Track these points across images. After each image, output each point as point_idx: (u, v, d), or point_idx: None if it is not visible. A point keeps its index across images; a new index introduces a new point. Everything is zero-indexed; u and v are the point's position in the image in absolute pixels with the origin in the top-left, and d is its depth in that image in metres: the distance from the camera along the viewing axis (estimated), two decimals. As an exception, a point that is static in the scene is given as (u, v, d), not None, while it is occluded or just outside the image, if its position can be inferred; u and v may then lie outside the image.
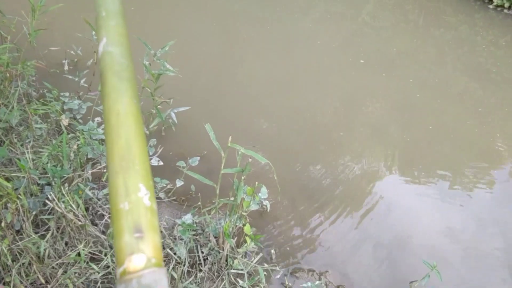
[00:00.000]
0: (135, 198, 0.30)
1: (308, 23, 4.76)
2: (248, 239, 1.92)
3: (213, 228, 2.07)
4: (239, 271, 2.02)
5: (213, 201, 2.15)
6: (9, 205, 1.95)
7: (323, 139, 3.13)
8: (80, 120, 2.65)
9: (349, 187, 2.77)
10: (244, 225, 1.98)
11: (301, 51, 4.16)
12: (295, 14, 4.85)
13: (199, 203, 2.15)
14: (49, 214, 2.04)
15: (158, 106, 2.55)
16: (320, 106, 3.45)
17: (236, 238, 2.13)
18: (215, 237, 2.09)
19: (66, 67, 3.10)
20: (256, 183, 1.86)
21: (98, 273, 1.89)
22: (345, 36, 4.69)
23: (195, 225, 2.05)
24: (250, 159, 1.77)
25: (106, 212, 2.10)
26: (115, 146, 0.32)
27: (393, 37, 4.84)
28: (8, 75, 2.44)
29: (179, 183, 2.41)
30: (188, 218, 2.04)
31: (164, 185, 2.38)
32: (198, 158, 2.44)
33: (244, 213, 1.93)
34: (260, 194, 2.34)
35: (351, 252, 2.40)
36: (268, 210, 2.39)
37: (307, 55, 4.10)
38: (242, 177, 1.77)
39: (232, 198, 1.96)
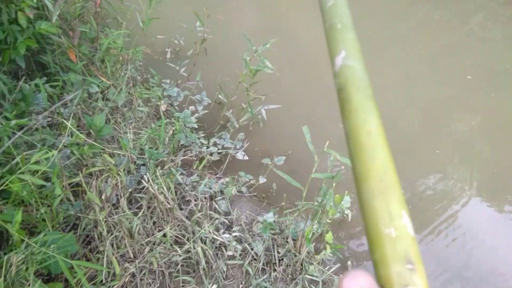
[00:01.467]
0: (400, 225, 0.28)
1: (407, 29, 4.51)
2: (328, 247, 1.88)
3: (293, 230, 2.05)
4: (314, 278, 1.98)
5: (296, 203, 2.13)
6: (109, 179, 2.12)
7: (410, 153, 2.94)
8: (177, 107, 2.79)
9: (427, 207, 2.59)
10: (325, 232, 1.94)
11: (397, 57, 3.95)
12: (393, 20, 4.61)
13: (283, 203, 2.15)
14: (141, 193, 2.19)
15: (251, 102, 2.58)
16: (411, 117, 3.25)
17: (314, 243, 2.10)
18: (293, 240, 2.08)
19: (168, 55, 3.27)
20: (346, 192, 1.81)
21: (180, 256, 1.97)
22: (449, 46, 4.36)
23: (275, 224, 2.05)
24: (342, 167, 1.71)
25: (193, 198, 2.18)
26: (371, 166, 0.31)
27: (504, 52, 4.39)
28: (120, 58, 2.64)
29: (262, 180, 2.43)
30: (269, 216, 2.04)
31: (247, 180, 2.42)
32: (284, 157, 2.44)
33: (328, 221, 1.88)
34: (342, 203, 2.27)
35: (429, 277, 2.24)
36: (349, 220, 2.31)
37: (403, 62, 3.88)
38: (333, 184, 1.72)
39: (316, 203, 1.92)
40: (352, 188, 2.54)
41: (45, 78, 2.56)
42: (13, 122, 1.92)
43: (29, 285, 1.43)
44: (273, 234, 2.10)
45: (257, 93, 2.60)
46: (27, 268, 1.44)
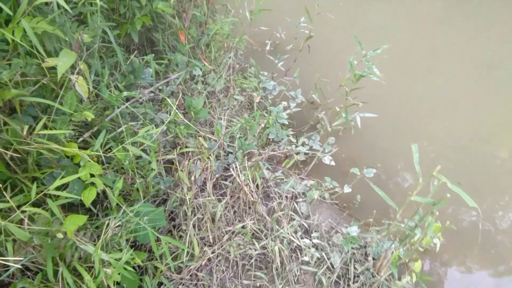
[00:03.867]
0: None
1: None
2: (414, 275, 1.74)
3: (376, 249, 1.94)
4: (390, 304, 1.86)
5: (383, 221, 2.02)
6: (199, 162, 2.17)
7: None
8: (270, 100, 2.78)
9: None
10: (413, 260, 1.80)
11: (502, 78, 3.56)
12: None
13: (370, 219, 2.04)
14: (226, 180, 2.21)
15: (347, 107, 2.49)
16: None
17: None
18: (374, 259, 1.97)
19: (268, 47, 3.27)
20: (447, 222, 1.65)
21: (256, 250, 1.97)
22: None
23: (358, 239, 1.95)
24: (448, 195, 1.56)
25: (276, 195, 2.16)
26: None
27: None
28: (225, 45, 2.68)
29: (347, 189, 2.33)
30: (353, 230, 1.95)
31: (332, 186, 2.34)
32: (374, 170, 2.31)
33: (420, 249, 1.75)
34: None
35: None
36: (437, 249, 2.13)
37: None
38: (434, 212, 1.59)
39: (407, 226, 1.79)
40: (453, 218, 2.34)
41: (153, 55, 2.69)
42: (125, 93, 2.03)
43: (120, 250, 1.51)
44: (353, 249, 2.01)
45: (356, 99, 2.49)
46: (120, 235, 1.52)
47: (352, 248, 1.97)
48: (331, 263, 1.97)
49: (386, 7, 3.99)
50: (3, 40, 1.53)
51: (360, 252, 2.02)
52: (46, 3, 1.92)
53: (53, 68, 1.62)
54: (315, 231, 2.10)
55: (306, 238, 2.04)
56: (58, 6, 1.80)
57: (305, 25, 3.12)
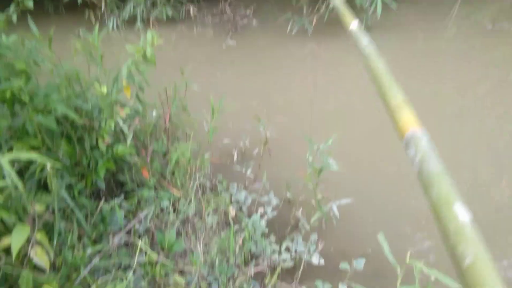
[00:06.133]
0: None
1: (482, 93, 4.20)
2: None
3: None
4: None
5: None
6: (181, 300, 2.05)
7: None
8: (245, 212, 2.75)
9: None
10: None
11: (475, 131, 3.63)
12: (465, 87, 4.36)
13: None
14: (214, 311, 2.08)
15: (319, 200, 2.46)
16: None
17: None
18: None
19: (235, 158, 3.34)
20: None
21: None
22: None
23: None
24: (432, 278, 1.47)
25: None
26: None
27: None
28: (189, 170, 2.73)
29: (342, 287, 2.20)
30: None
31: (326, 289, 2.20)
32: (364, 260, 2.21)
33: None
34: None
35: None
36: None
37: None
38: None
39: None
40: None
41: (122, 196, 2.70)
42: (89, 251, 1.99)
43: None
44: None
45: (327, 189, 2.48)
46: None
47: None
48: None
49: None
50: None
51: None
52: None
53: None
54: None
55: None
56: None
57: (263, 131, 3.23)
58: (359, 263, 2.20)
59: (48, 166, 1.87)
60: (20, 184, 1.64)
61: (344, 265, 2.21)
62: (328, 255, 2.49)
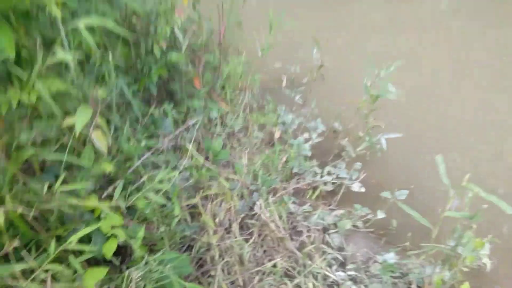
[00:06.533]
0: None
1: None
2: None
3: (418, 275, 1.79)
4: (442, 337, 1.69)
5: (422, 244, 1.88)
6: (223, 203, 2.14)
7: None
8: (290, 134, 2.75)
9: None
10: (459, 283, 1.64)
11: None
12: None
13: (406, 243, 1.91)
14: (252, 219, 2.16)
15: (370, 130, 2.41)
16: None
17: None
18: (418, 286, 1.81)
19: (284, 83, 3.29)
20: (490, 235, 1.51)
21: (289, 290, 1.87)
22: None
23: (397, 266, 1.82)
24: (485, 205, 1.44)
25: (305, 229, 2.08)
26: None
27: None
28: (240, 85, 2.72)
29: (380, 214, 2.21)
30: (390, 257, 1.83)
31: (364, 214, 2.22)
32: (407, 191, 2.19)
33: (464, 269, 1.60)
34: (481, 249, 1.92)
35: None
36: (487, 269, 1.94)
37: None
38: (473, 226, 1.46)
39: (448, 247, 1.65)
40: (495, 231, 2.16)
41: (172, 104, 2.75)
42: (144, 143, 2.07)
43: (146, 302, 1.47)
44: (394, 278, 1.87)
45: (377, 121, 2.42)
46: (145, 286, 1.49)
47: (392, 277, 1.83)
48: (372, 296, 1.83)
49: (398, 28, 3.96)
50: (20, 102, 1.61)
51: (402, 281, 1.87)
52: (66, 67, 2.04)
53: (73, 126, 1.69)
54: (351, 263, 1.98)
55: (342, 271, 1.92)
56: (76, 68, 1.91)
57: (319, 56, 3.13)
58: (402, 194, 2.19)
59: (110, 56, 1.90)
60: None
61: (385, 194, 2.21)
62: (369, 184, 2.48)
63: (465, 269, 1.65)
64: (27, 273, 1.40)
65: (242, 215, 2.13)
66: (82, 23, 1.49)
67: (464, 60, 3.43)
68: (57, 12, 1.59)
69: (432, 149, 2.69)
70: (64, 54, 1.53)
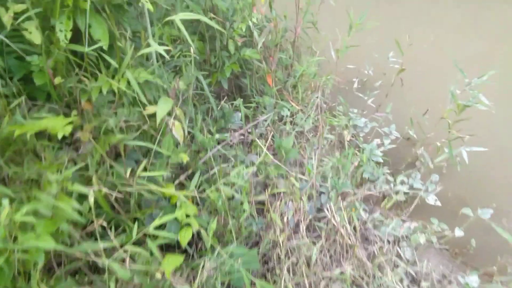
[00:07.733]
0: None
1: None
2: None
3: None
4: None
5: (510, 271, 1.71)
6: (291, 203, 2.10)
7: None
8: (362, 138, 2.65)
9: None
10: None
11: None
12: None
13: (494, 267, 1.75)
14: (320, 221, 2.09)
15: (451, 141, 2.26)
16: None
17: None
18: (501, 316, 1.66)
19: (355, 85, 3.18)
20: None
21: (357, 301, 1.79)
22: None
23: (479, 291, 1.68)
24: None
25: (377, 239, 1.98)
26: None
27: None
28: (312, 85, 2.67)
29: (458, 232, 2.05)
30: (473, 280, 1.68)
31: (440, 229, 2.08)
32: (491, 211, 2.02)
33: None
34: None
35: None
36: None
37: None
38: None
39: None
40: None
41: (241, 99, 2.76)
42: (217, 136, 2.08)
43: (215, 294, 1.46)
44: (474, 302, 1.72)
45: (460, 132, 2.26)
46: (216, 277, 1.48)
47: (472, 301, 1.69)
48: (447, 319, 1.70)
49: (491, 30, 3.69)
50: (110, 91, 1.67)
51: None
52: (147, 59, 2.11)
53: (153, 115, 1.73)
54: (424, 280, 1.85)
55: (414, 287, 1.81)
56: (157, 59, 1.96)
57: (394, 60, 2.98)
58: (486, 213, 2.02)
59: (192, 48, 1.93)
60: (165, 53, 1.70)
61: (466, 210, 2.05)
62: (444, 198, 2.32)
63: None
64: (107, 251, 1.45)
65: (310, 217, 2.07)
66: (178, 17, 1.51)
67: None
68: (149, 6, 1.63)
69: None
70: (157, 46, 1.57)
